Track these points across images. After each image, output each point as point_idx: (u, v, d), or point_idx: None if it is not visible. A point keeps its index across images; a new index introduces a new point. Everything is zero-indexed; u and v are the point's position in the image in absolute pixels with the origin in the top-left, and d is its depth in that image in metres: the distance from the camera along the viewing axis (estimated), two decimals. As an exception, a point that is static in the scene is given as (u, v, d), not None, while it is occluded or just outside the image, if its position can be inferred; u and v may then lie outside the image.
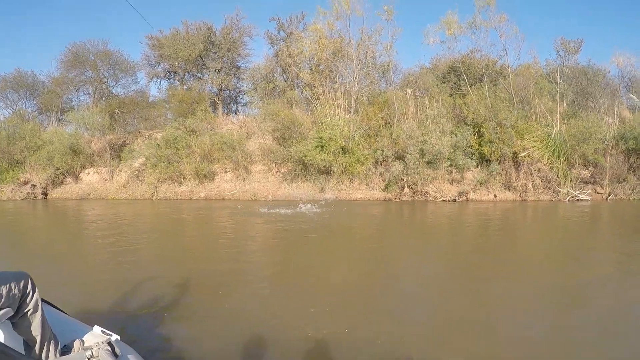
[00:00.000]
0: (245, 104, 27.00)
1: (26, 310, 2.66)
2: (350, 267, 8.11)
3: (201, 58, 24.91)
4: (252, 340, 4.84)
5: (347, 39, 21.14)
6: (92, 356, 2.52)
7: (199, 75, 26.15)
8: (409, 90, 20.91)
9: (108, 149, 21.24)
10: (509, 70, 21.16)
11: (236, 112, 27.21)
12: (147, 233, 12.22)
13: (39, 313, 2.69)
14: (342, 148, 18.62)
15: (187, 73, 26.44)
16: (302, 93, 22.61)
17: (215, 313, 5.56)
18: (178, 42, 24.14)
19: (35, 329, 2.67)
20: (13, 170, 22.89)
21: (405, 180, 18.14)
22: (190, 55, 23.83)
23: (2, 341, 2.70)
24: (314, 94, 20.25)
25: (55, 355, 2.70)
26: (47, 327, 2.73)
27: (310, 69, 21.84)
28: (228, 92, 26.77)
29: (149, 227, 13.28)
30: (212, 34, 25.21)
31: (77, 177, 22.18)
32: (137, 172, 20.47)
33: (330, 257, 9.01)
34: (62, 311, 3.17)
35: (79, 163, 21.78)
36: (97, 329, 2.95)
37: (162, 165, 19.13)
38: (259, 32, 27.89)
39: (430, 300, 6.09)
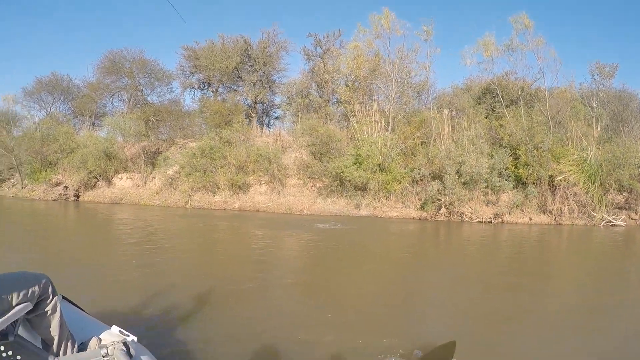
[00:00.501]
0: (277, 118, 26.92)
1: (45, 310, 2.71)
2: (378, 284, 7.99)
3: (237, 70, 24.90)
4: (266, 348, 4.91)
5: (385, 57, 21.06)
6: (107, 354, 2.57)
7: (234, 87, 26.11)
8: (445, 111, 20.84)
9: (142, 156, 21.15)
10: (545, 93, 21.02)
11: (268, 125, 27.15)
12: (176, 240, 12.32)
13: (57, 314, 2.75)
14: (379, 165, 18.44)
15: (221, 85, 26.39)
16: (336, 109, 22.49)
17: (232, 321, 5.60)
18: (215, 53, 24.27)
19: (54, 329, 2.73)
20: (46, 171, 22.99)
21: (443, 200, 17.90)
22: (227, 67, 23.87)
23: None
24: (350, 111, 20.13)
25: (72, 351, 2.76)
26: (64, 328, 2.78)
27: (347, 86, 21.76)
28: (261, 105, 26.70)
29: (179, 234, 13.39)
30: (248, 47, 25.23)
31: (109, 182, 22.20)
32: (170, 179, 20.32)
33: (358, 273, 8.90)
34: (82, 309, 3.21)
35: (113, 168, 21.76)
36: (115, 328, 3.01)
37: (197, 174, 18.99)
38: (295, 48, 27.84)
39: (453, 320, 6.00)
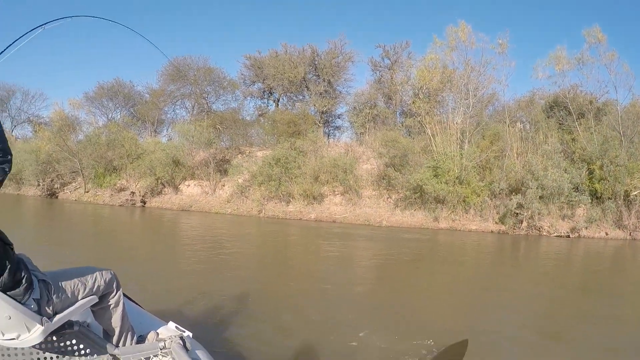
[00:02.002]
0: (337, 127, 26.65)
1: (109, 303, 2.84)
2: (449, 298, 7.84)
3: (304, 80, 24.63)
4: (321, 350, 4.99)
5: (459, 70, 20.78)
6: (164, 347, 2.70)
7: (300, 97, 25.93)
8: (519, 124, 20.52)
9: (212, 163, 20.89)
10: (617, 107, 20.66)
11: (328, 135, 26.90)
12: (247, 247, 12.51)
13: (119, 308, 2.88)
14: (458, 178, 18.12)
15: (284, 94, 26.16)
16: (405, 121, 22.19)
17: (291, 326, 5.63)
18: (282, 62, 23.94)
19: (115, 321, 2.86)
20: (110, 176, 22.79)
21: (525, 214, 17.57)
22: (295, 76, 23.57)
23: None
24: (428, 123, 19.83)
25: (131, 343, 2.89)
26: (126, 320, 2.91)
27: (419, 98, 21.46)
28: (326, 115, 26.43)
29: (251, 242, 13.58)
30: (315, 57, 24.94)
31: (176, 188, 21.89)
32: (241, 187, 20.03)
33: (426, 285, 8.79)
34: (140, 306, 3.34)
35: (180, 175, 21.44)
36: (171, 324, 3.10)
37: (273, 183, 18.69)
38: (362, 58, 27.56)
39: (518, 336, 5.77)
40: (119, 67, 60.68)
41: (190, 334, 2.98)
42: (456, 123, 20.47)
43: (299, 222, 18.64)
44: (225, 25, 58.88)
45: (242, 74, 27.19)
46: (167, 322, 3.14)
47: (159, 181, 21.78)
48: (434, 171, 18.52)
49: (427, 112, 21.16)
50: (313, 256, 11.61)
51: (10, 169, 2.22)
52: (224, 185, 21.45)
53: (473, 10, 47.86)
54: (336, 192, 19.92)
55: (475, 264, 11.58)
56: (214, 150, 21.75)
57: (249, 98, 27.74)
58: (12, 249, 2.40)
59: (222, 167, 22.05)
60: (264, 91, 27.56)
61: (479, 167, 19.47)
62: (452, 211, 18.51)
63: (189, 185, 22.20)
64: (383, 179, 19.55)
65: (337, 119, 26.72)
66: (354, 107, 23.97)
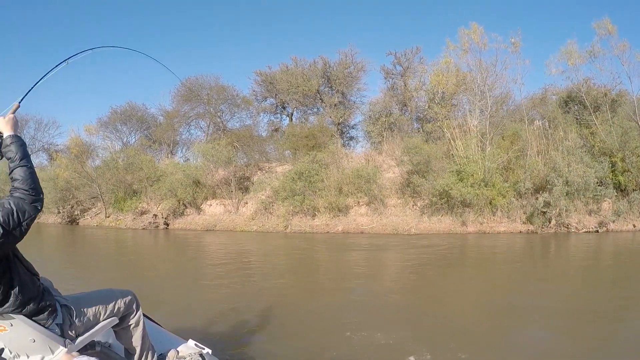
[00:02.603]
0: (351, 138, 26.63)
1: (129, 324, 2.95)
2: (475, 300, 7.81)
3: (318, 92, 24.62)
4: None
5: (474, 72, 20.76)
6: None
7: (314, 110, 25.92)
8: (537, 122, 20.49)
9: (234, 181, 20.87)
10: (633, 97, 20.63)
11: (346, 145, 26.86)
12: (272, 264, 12.39)
13: (140, 327, 2.97)
14: (483, 181, 18.08)
15: (297, 108, 26.17)
16: (423, 126, 22.18)
17: (315, 345, 5.43)
18: (295, 76, 23.95)
19: (136, 341, 2.95)
20: (131, 200, 22.79)
21: (553, 212, 17.54)
22: (310, 89, 23.56)
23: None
24: (446, 127, 19.81)
25: None
26: (146, 340, 3.00)
27: (435, 103, 21.43)
28: (341, 126, 26.41)
29: (277, 259, 13.45)
30: (327, 69, 24.92)
31: (198, 208, 21.87)
32: (264, 204, 19.98)
33: (458, 288, 8.74)
34: (160, 326, 3.44)
35: (202, 195, 21.41)
36: (191, 342, 3.22)
37: (297, 198, 18.66)
38: (374, 67, 27.58)
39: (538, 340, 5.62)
40: (131, 90, 61.50)
41: (210, 351, 3.10)
42: (474, 125, 20.42)
43: (326, 235, 18.64)
44: (232, 42, 59.36)
45: (254, 90, 27.32)
46: (187, 340, 3.26)
47: (181, 202, 21.73)
48: (458, 175, 18.47)
49: (445, 117, 21.15)
50: (342, 268, 11.50)
51: (42, 207, 2.36)
52: (246, 203, 21.44)
53: (478, 12, 47.83)
54: (361, 203, 19.91)
55: (509, 266, 11.52)
56: (234, 168, 21.66)
57: (261, 114, 27.75)
58: (38, 278, 2.52)
59: (243, 185, 22.03)
60: (277, 106, 27.55)
61: (501, 168, 19.42)
62: (479, 214, 18.48)
63: (211, 205, 22.19)
64: (407, 186, 19.48)
65: (352, 129, 26.64)
66: (370, 117, 23.85)
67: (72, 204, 25.09)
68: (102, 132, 27.30)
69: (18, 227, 2.20)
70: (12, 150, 2.36)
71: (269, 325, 6.10)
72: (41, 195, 2.36)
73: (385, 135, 22.50)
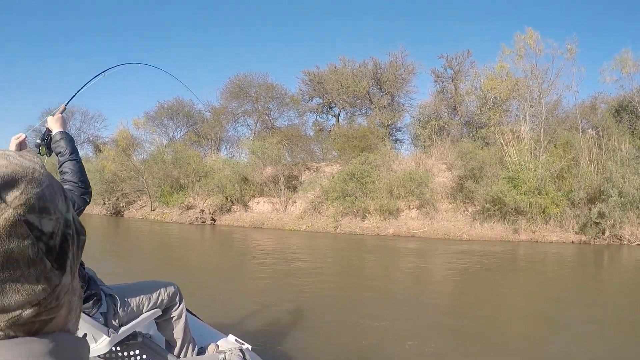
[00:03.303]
0: (396, 140, 26.63)
1: (171, 316, 3.02)
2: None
3: (368, 94, 24.67)
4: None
5: (529, 77, 20.62)
6: (224, 359, 2.81)
7: (362, 111, 25.99)
8: (590, 131, 20.28)
9: (282, 180, 20.98)
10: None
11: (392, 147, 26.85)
12: (318, 263, 12.40)
13: (182, 320, 3.04)
14: (537, 189, 17.93)
15: (344, 109, 26.23)
16: (476, 131, 22.07)
17: (355, 345, 5.48)
18: (344, 77, 24.01)
19: (177, 333, 3.02)
20: (178, 194, 23.04)
21: (607, 223, 17.32)
22: (360, 90, 23.62)
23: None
24: (500, 133, 19.71)
25: (192, 354, 3.03)
26: (188, 332, 3.07)
27: (488, 108, 21.34)
28: (388, 128, 26.43)
29: (320, 258, 13.52)
30: (378, 70, 24.96)
31: (246, 206, 22.02)
32: (313, 204, 20.05)
33: (507, 298, 8.66)
34: (200, 319, 3.53)
35: (250, 192, 21.54)
36: (231, 337, 3.28)
37: (349, 199, 18.67)
38: (424, 69, 27.54)
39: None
40: (178, 85, 62.45)
41: (250, 347, 3.15)
42: (526, 132, 20.30)
43: (377, 237, 18.72)
44: (280, 41, 59.79)
45: (301, 90, 27.53)
46: (227, 334, 3.33)
47: (228, 199, 21.90)
48: (511, 182, 18.35)
49: (498, 122, 21.05)
50: (389, 271, 11.47)
51: (90, 199, 2.49)
52: (295, 202, 21.60)
53: (529, 17, 47.14)
54: (412, 207, 19.90)
55: (560, 276, 11.52)
56: (282, 166, 21.78)
57: (307, 113, 27.90)
58: (84, 267, 2.59)
59: (291, 184, 22.14)
60: (323, 106, 27.64)
61: (553, 176, 19.26)
62: (532, 222, 18.30)
63: (258, 203, 22.43)
64: (460, 191, 19.39)
65: (397, 132, 26.61)
66: (419, 120, 23.82)
67: (117, 196, 25.58)
68: (152, 126, 27.66)
69: None
70: (61, 145, 2.52)
71: (309, 324, 6.18)
72: (89, 189, 2.49)
73: (434, 139, 22.39)
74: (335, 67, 26.18)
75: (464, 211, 19.70)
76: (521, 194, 18.12)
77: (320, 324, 6.14)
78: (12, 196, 0.52)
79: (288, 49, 59.11)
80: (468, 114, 23.53)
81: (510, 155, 19.66)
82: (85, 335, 2.05)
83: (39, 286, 0.55)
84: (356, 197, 19.53)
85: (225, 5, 62.43)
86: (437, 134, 22.82)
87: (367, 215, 19.80)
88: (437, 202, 19.98)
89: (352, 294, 8.44)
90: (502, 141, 20.15)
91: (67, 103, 2.89)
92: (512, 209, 18.37)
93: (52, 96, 66.43)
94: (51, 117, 2.65)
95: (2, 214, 0.51)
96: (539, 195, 18.38)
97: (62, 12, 63.71)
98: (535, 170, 18.77)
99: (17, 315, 0.54)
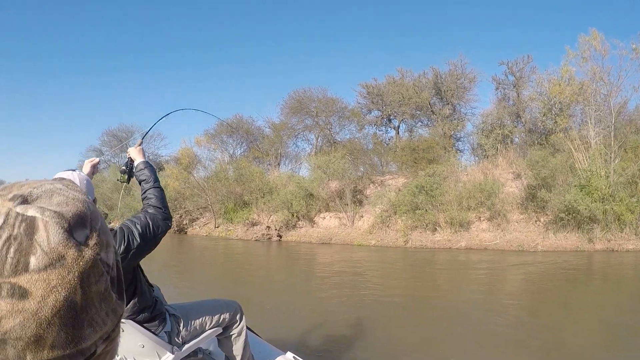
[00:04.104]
0: (457, 150, 26.62)
1: (231, 333, 3.10)
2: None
3: (429, 104, 24.79)
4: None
5: (595, 80, 20.37)
6: None
7: (422, 122, 26.10)
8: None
9: (349, 194, 21.25)
10: None
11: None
12: (380, 277, 12.47)
13: (242, 337, 3.12)
14: (612, 196, 17.68)
15: (403, 120, 26.42)
16: (545, 138, 21.92)
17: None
18: (406, 88, 24.20)
19: (237, 350, 3.10)
20: (242, 211, 23.53)
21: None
22: (422, 101, 23.78)
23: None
24: (569, 139, 19.54)
25: None
26: (247, 349, 3.14)
27: (554, 113, 21.19)
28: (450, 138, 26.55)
29: (387, 273, 13.50)
30: (438, 80, 25.04)
31: (311, 221, 22.37)
32: (381, 218, 20.21)
33: (587, 313, 8.29)
34: (259, 336, 3.57)
35: (316, 207, 21.88)
36: (289, 354, 3.31)
37: (419, 212, 18.79)
38: (484, 77, 27.51)
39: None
40: (237, 102, 64.74)
41: None
42: (592, 137, 20.06)
43: (448, 251, 18.83)
44: (337, 54, 60.89)
45: (358, 103, 27.83)
46: (285, 352, 3.39)
47: (294, 215, 22.26)
48: (582, 190, 18.15)
49: (563, 128, 20.86)
50: (462, 286, 11.33)
51: (171, 224, 2.70)
52: (362, 216, 21.79)
53: (589, 19, 46.14)
54: (482, 218, 19.88)
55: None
56: (348, 180, 22.04)
57: (366, 126, 28.15)
58: (153, 289, 2.76)
59: (356, 198, 22.37)
60: (382, 118, 27.82)
61: (627, 182, 18.98)
62: (607, 231, 18.07)
63: (324, 218, 22.81)
64: (531, 201, 19.26)
65: (458, 142, 26.60)
66: (482, 129, 23.75)
67: (180, 214, 26.33)
68: (215, 143, 28.44)
69: (153, 239, 2.47)
70: (146, 174, 2.77)
71: (369, 342, 6.15)
72: (171, 215, 2.70)
73: (498, 147, 22.31)
74: (393, 79, 26.64)
75: (536, 221, 19.62)
76: (595, 201, 17.93)
77: (382, 342, 6.10)
78: (86, 236, 0.54)
79: (344, 62, 60.02)
80: (532, 121, 23.33)
81: (580, 162, 19.47)
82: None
83: (109, 320, 0.57)
84: (426, 210, 19.64)
85: (279, 20, 63.90)
86: (500, 143, 22.73)
87: (437, 228, 19.92)
88: (508, 213, 19.91)
89: (419, 311, 8.34)
90: (572, 147, 19.97)
91: (143, 137, 3.21)
92: (586, 217, 18.20)
93: (109, 116, 71.58)
94: (132, 148, 2.95)
95: (83, 257, 0.53)
96: (613, 202, 18.16)
97: (122, 33, 66.82)
98: (607, 177, 18.55)
99: (92, 353, 0.56)
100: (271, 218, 23.55)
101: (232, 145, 29.80)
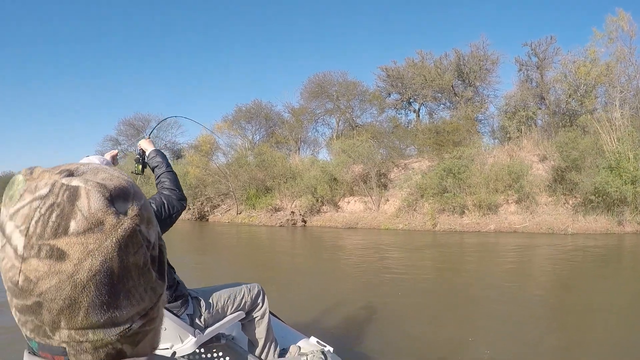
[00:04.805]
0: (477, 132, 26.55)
1: (255, 316, 3.13)
2: None
3: (452, 87, 24.71)
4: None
5: (621, 61, 20.39)
6: None
7: (444, 104, 26.01)
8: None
9: (374, 178, 21.28)
10: None
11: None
12: (408, 262, 12.44)
13: (265, 320, 3.16)
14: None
15: (423, 103, 26.33)
16: (562, 121, 21.94)
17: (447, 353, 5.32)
18: (428, 70, 24.06)
19: (260, 333, 3.12)
20: (265, 197, 23.55)
21: None
22: (445, 84, 23.69)
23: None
24: (599, 120, 19.53)
25: (274, 356, 3.11)
26: (270, 332, 3.17)
27: (580, 95, 21.17)
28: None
29: (415, 257, 13.47)
30: (461, 62, 24.91)
31: (336, 205, 22.42)
32: (407, 201, 20.27)
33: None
34: (282, 321, 3.57)
35: (340, 192, 21.92)
36: (313, 339, 3.33)
37: (448, 195, 18.84)
38: (507, 59, 27.19)
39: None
40: (255, 88, 64.80)
41: (332, 349, 3.19)
42: (617, 118, 20.06)
43: (477, 234, 18.92)
44: (354, 37, 60.44)
45: (378, 86, 27.74)
46: (309, 336, 3.40)
47: (319, 200, 22.31)
48: (612, 171, 18.17)
49: (589, 109, 20.86)
50: (491, 271, 11.02)
51: (186, 205, 2.84)
52: (387, 200, 21.84)
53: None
54: (510, 201, 19.91)
55: None
56: (372, 164, 22.05)
57: (387, 110, 28.11)
58: (174, 271, 2.82)
59: (380, 182, 22.39)
60: (402, 101, 27.74)
61: (656, 163, 19.04)
62: (637, 213, 18.12)
63: (349, 202, 22.88)
64: (560, 183, 19.30)
65: (479, 124, 26.54)
66: (505, 111, 23.73)
67: (201, 201, 26.39)
68: (236, 128, 28.43)
69: (168, 217, 2.58)
70: (158, 160, 2.91)
71: (394, 327, 6.06)
72: (185, 196, 2.84)
73: (522, 129, 22.31)
74: (413, 61, 26.47)
75: (564, 203, 19.66)
76: (627, 183, 17.97)
77: (407, 328, 6.02)
78: (127, 207, 0.57)
79: (361, 45, 59.60)
80: (555, 102, 23.29)
81: (607, 144, 19.47)
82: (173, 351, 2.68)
83: (147, 297, 0.59)
84: (454, 193, 19.70)
85: (297, 3, 63.76)
86: (524, 125, 22.74)
87: (465, 211, 19.98)
88: (536, 196, 19.95)
89: (445, 296, 8.20)
90: (599, 129, 19.96)
91: (149, 135, 3.40)
92: (616, 199, 18.25)
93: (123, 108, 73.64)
94: (143, 140, 3.10)
95: (122, 225, 0.55)
96: (641, 183, 18.21)
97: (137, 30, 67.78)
98: (637, 159, 18.56)
99: (128, 328, 0.57)
100: (294, 203, 23.67)
101: (251, 130, 30.06)
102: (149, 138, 3.16)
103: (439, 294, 8.35)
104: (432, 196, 20.21)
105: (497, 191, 20.06)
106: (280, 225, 22.67)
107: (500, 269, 11.26)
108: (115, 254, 0.53)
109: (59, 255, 0.52)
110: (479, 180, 20.07)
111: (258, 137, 30.38)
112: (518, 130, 22.78)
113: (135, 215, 0.56)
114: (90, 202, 0.53)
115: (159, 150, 3.02)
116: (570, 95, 22.35)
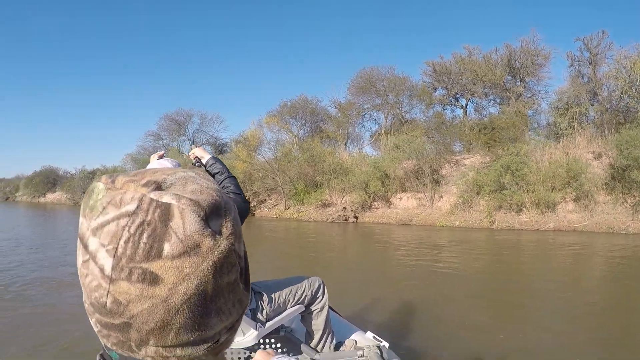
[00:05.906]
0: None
1: (314, 309, 3.20)
2: None
3: (503, 83, 24.75)
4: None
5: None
6: (362, 356, 2.88)
7: (494, 100, 26.00)
8: None
9: (428, 174, 21.43)
10: None
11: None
12: (463, 260, 12.44)
13: (324, 313, 3.22)
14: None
15: (470, 99, 26.36)
16: (618, 117, 21.98)
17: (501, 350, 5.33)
18: (477, 65, 24.11)
19: (318, 325, 3.20)
20: (315, 192, 23.76)
21: None
22: (497, 79, 23.74)
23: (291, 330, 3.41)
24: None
25: (330, 348, 3.18)
26: (328, 325, 3.24)
27: (637, 92, 21.15)
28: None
29: (471, 256, 13.41)
30: (512, 57, 24.92)
31: (387, 202, 22.62)
32: (462, 198, 20.43)
33: None
34: (339, 314, 3.66)
35: (392, 188, 22.11)
36: (369, 333, 3.39)
37: (506, 192, 18.98)
38: (560, 53, 27.10)
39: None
40: (302, 84, 65.48)
41: (387, 345, 3.24)
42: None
43: (536, 232, 18.98)
44: (401, 32, 60.29)
45: (424, 81, 27.77)
46: (365, 331, 3.48)
47: (370, 196, 22.50)
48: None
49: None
50: (549, 270, 10.90)
51: (249, 209, 3.43)
52: (441, 197, 21.98)
53: None
54: (567, 199, 20.00)
55: None
56: (424, 160, 22.19)
57: (435, 105, 28.20)
58: None
59: (433, 178, 22.52)
60: (449, 97, 27.81)
61: None
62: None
63: (401, 199, 23.00)
64: (619, 181, 19.39)
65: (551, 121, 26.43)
66: (556, 107, 23.74)
67: (248, 196, 26.57)
68: (283, 123, 28.67)
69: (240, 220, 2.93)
70: (218, 167, 3.01)
71: (449, 324, 6.10)
72: (247, 200, 3.17)
73: (575, 126, 22.36)
74: (460, 57, 26.53)
75: (623, 202, 19.73)
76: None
77: (463, 326, 6.01)
78: (220, 225, 0.54)
79: (407, 39, 59.39)
80: (608, 99, 23.26)
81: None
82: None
83: (235, 310, 0.58)
84: (512, 190, 19.84)
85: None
86: (577, 122, 22.75)
87: (523, 209, 20.12)
88: (595, 194, 20.03)
89: (500, 295, 8.20)
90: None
91: (196, 145, 3.45)
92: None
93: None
94: (197, 149, 3.18)
95: (219, 247, 0.53)
96: None
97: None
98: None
99: (215, 342, 0.57)
100: (344, 199, 23.89)
101: (297, 126, 30.40)
102: (202, 146, 3.28)
103: (498, 291, 8.42)
104: (489, 193, 20.40)
105: (554, 189, 20.21)
106: (332, 221, 22.92)
107: (561, 268, 11.27)
108: (210, 276, 0.53)
109: (152, 279, 0.51)
110: (538, 178, 20.21)
111: (303, 133, 30.79)
112: (570, 127, 22.84)
113: (230, 234, 0.55)
114: (186, 224, 0.51)
115: (215, 157, 3.13)
116: (625, 92, 22.34)
